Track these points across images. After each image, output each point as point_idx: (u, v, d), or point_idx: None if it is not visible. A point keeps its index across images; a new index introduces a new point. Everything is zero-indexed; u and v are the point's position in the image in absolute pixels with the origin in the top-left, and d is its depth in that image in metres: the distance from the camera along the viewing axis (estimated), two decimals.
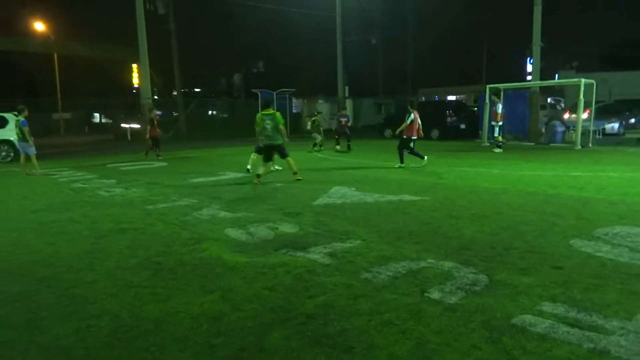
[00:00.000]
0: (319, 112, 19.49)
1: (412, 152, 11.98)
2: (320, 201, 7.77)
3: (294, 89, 29.45)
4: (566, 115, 22.94)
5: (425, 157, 11.88)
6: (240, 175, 11.25)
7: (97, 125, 41.17)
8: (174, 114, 29.89)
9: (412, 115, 11.57)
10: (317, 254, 4.89)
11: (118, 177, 11.37)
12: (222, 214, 7.00)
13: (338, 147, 17.55)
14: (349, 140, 17.72)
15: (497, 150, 16.15)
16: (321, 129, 17.90)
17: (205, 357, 2.95)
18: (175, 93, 32.19)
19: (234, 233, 5.85)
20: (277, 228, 6.02)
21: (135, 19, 19.92)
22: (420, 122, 11.84)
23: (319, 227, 6.05)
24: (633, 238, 5.14)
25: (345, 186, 9.11)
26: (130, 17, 20.60)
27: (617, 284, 3.88)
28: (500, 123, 16.61)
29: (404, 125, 11.68)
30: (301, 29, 37.40)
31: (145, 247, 5.38)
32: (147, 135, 16.31)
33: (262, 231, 5.88)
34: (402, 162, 11.92)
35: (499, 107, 16.59)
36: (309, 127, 17.96)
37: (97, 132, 33.67)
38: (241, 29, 37.15)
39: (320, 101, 35.71)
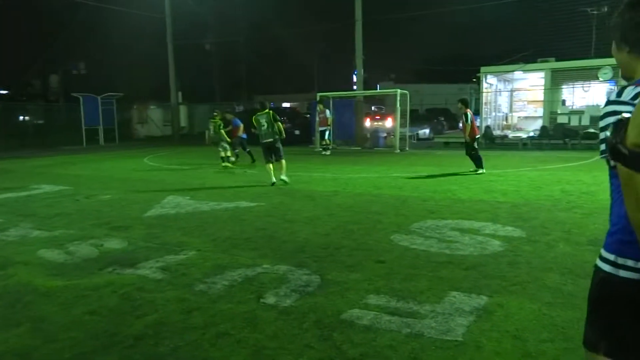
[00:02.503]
0: (217, 114, 14.58)
1: (475, 155, 11.06)
2: (153, 212, 7.35)
3: (121, 94, 27.48)
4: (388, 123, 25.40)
5: (483, 169, 11.01)
6: (58, 188, 10.07)
7: None
8: None
9: (470, 115, 10.96)
10: (148, 269, 4.59)
11: None
12: (35, 233, 6.17)
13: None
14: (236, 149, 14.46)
15: (326, 152, 17.35)
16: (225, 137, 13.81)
17: None
18: None
19: (49, 254, 5.19)
20: (102, 245, 5.51)
21: None
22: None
23: (150, 240, 5.70)
24: (440, 230, 5.85)
25: (179, 195, 8.76)
26: None
27: (429, 272, 4.37)
28: (328, 128, 17.93)
29: (469, 127, 10.89)
30: (128, 29, 35.10)
31: None
32: None
33: (84, 249, 5.33)
34: (481, 165, 10.98)
35: (327, 113, 17.84)
36: (212, 133, 13.91)
37: None
38: (57, 25, 33.48)
39: (152, 107, 33.92)
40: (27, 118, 31.38)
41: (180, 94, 30.77)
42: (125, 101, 30.16)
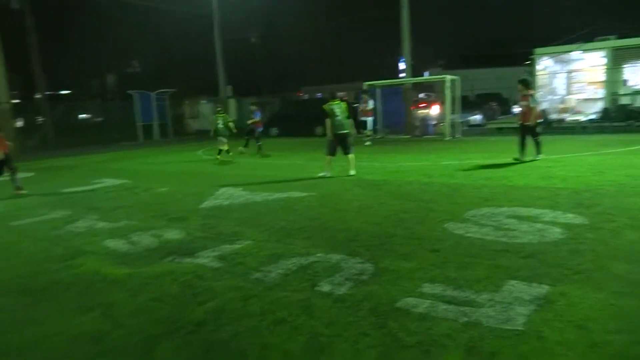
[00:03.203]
0: (220, 109, 15.87)
1: (524, 141, 10.43)
2: (207, 204, 7.57)
3: (173, 90, 28.33)
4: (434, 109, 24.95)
5: (542, 154, 10.47)
6: (119, 182, 10.55)
7: None
8: (39, 120, 27.11)
9: (536, 97, 10.29)
10: (206, 258, 4.75)
11: None
12: (101, 224, 6.51)
13: (242, 149, 15.61)
14: (258, 141, 15.54)
15: (366, 143, 17.07)
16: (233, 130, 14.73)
17: None
18: (38, 95, 29.26)
19: (114, 244, 5.47)
20: (161, 235, 5.74)
21: None
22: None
23: (206, 230, 5.89)
24: (496, 217, 5.71)
25: (232, 187, 8.97)
26: None
27: (485, 260, 4.28)
28: (371, 118, 17.65)
29: (534, 112, 10.29)
30: (178, 27, 36.10)
31: (9, 268, 4.82)
32: None
33: (145, 239, 5.57)
34: (540, 151, 10.42)
35: (370, 103, 17.56)
36: (220, 126, 14.38)
37: None
38: (112, 26, 34.86)
39: (202, 101, 34.77)
40: (87, 116, 32.99)
41: (229, 87, 31.36)
42: (178, 97, 31.07)
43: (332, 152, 9.72)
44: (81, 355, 3.00)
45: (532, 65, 20.16)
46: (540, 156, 10.40)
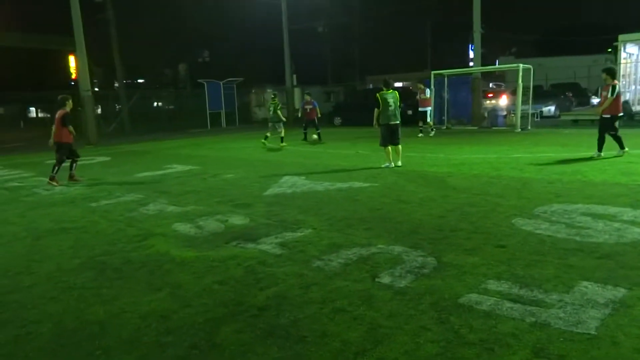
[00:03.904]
0: (275, 95, 16.37)
1: (615, 136, 9.67)
2: (271, 191, 7.72)
3: (241, 79, 29.02)
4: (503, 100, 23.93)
5: (626, 148, 9.71)
6: (188, 167, 10.99)
7: (33, 119, 39.01)
8: (117, 107, 28.73)
9: (617, 88, 9.54)
10: (268, 245, 4.85)
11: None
12: (170, 208, 6.82)
13: (315, 137, 16.19)
14: (317, 129, 16.26)
15: (422, 134, 16.56)
16: (282, 117, 15.38)
17: (154, 358, 2.87)
18: (116, 85, 30.96)
19: (182, 227, 5.71)
20: (227, 220, 5.92)
21: (70, 7, 18.93)
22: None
23: (269, 217, 6.01)
24: (569, 215, 5.41)
25: (295, 175, 9.08)
26: (65, 5, 19.53)
27: (556, 259, 4.07)
28: (429, 108, 17.13)
29: (608, 102, 9.46)
30: (246, 17, 36.82)
31: (88, 246, 5.16)
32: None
33: (211, 224, 5.78)
34: (600, 149, 9.64)
35: (427, 93, 17.02)
36: (271, 113, 15.13)
37: (33, 126, 31.94)
38: (185, 17, 36.13)
39: (268, 90, 35.36)
40: (160, 104, 34.52)
41: (295, 76, 31.67)
42: (245, 86, 31.80)
43: (387, 142, 9.57)
44: (150, 331, 3.17)
45: (615, 52, 18.82)
46: (623, 151, 9.68)
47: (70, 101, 9.52)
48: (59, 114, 9.25)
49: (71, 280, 4.15)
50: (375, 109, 9.45)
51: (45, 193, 8.54)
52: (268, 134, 15.17)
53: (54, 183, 9.18)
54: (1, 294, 3.95)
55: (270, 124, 15.19)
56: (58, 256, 4.85)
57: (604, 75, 9.84)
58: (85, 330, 3.24)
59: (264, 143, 14.97)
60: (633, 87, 18.63)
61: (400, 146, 9.66)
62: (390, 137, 9.51)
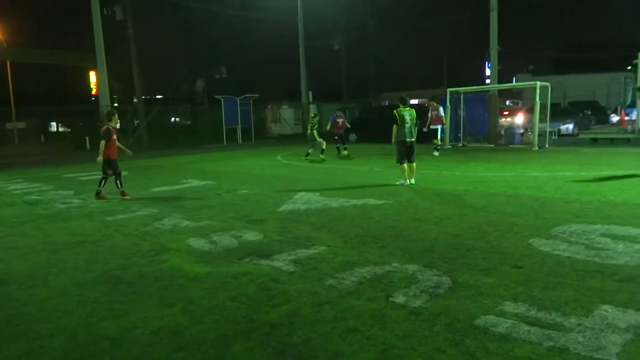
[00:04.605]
0: (315, 115, 17.30)
1: None
2: (285, 207, 7.71)
3: (257, 95, 29.29)
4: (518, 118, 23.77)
5: None
6: (203, 182, 11.06)
7: (53, 134, 39.80)
8: (135, 122, 29.19)
9: None
10: (282, 262, 4.83)
11: (76, 188, 10.99)
12: (185, 223, 6.84)
13: (345, 152, 16.76)
14: (344, 144, 17.07)
15: (435, 153, 16.18)
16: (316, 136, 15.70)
17: None
18: (135, 100, 31.49)
19: (196, 243, 5.72)
20: (240, 236, 5.92)
21: (92, 24, 19.40)
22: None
23: (283, 234, 5.99)
24: (588, 235, 5.30)
25: (309, 192, 9.08)
26: (87, 22, 20.05)
27: (574, 281, 3.98)
28: (440, 126, 16.93)
29: None
30: (263, 34, 37.30)
31: (103, 260, 5.19)
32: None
33: (225, 240, 5.78)
34: None
35: (441, 110, 16.85)
36: (309, 131, 15.92)
37: (54, 140, 32.59)
38: (202, 34, 36.73)
39: (284, 106, 35.65)
40: (177, 119, 35.00)
41: (310, 93, 31.89)
42: (261, 102, 32.08)
43: (403, 160, 9.51)
44: (161, 347, 3.15)
45: (635, 70, 18.60)
46: None
47: (116, 116, 9.44)
48: (103, 129, 9.18)
49: (85, 294, 4.17)
50: (394, 126, 9.41)
51: (62, 206, 8.66)
52: (310, 151, 15.75)
53: (101, 197, 9.16)
54: (17, 306, 3.98)
55: (318, 142, 15.62)
56: (73, 269, 4.89)
57: (638, 94, 9.71)
58: (97, 345, 3.23)
59: (306, 159, 15.49)
60: None
61: (414, 164, 9.61)
62: (406, 155, 9.47)
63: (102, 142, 9.02)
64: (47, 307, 3.92)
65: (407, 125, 9.30)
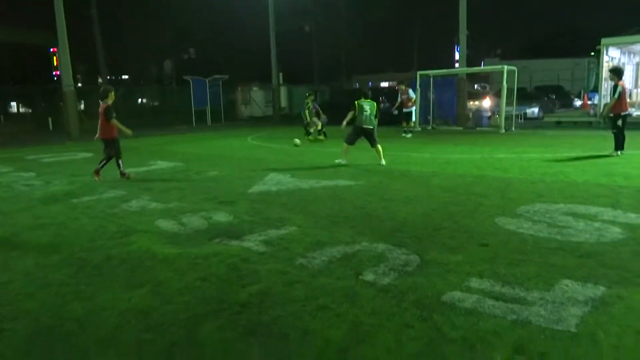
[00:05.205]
0: (310, 94, 17.34)
1: (616, 135, 9.97)
2: (256, 189, 7.67)
3: (226, 76, 28.84)
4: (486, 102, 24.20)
5: (620, 152, 9.96)
6: (172, 164, 10.88)
7: (14, 115, 38.31)
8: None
9: (620, 88, 9.73)
10: (252, 242, 4.81)
11: (38, 170, 10.65)
12: (153, 205, 6.73)
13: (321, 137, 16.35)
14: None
15: (407, 135, 16.52)
16: (307, 117, 16.19)
17: (132, 356, 2.82)
18: (100, 80, 30.56)
19: (165, 224, 5.64)
20: (210, 217, 5.87)
21: (54, 2, 18.63)
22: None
23: (254, 215, 5.97)
24: (551, 214, 5.47)
25: (280, 173, 9.05)
26: (49, 1, 19.23)
27: (537, 258, 4.10)
28: (413, 109, 17.19)
29: (612, 102, 9.88)
30: (233, 14, 36.62)
31: (68, 243, 5.07)
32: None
33: (195, 221, 5.72)
34: (622, 147, 9.95)
35: (411, 93, 17.03)
36: (307, 113, 16.11)
37: (14, 122, 31.36)
38: (170, 14, 35.80)
39: (254, 88, 35.25)
40: (144, 100, 34.14)
41: (281, 75, 31.60)
42: (231, 83, 31.61)
43: (351, 142, 10.01)
44: (130, 328, 3.11)
45: (598, 56, 19.12)
46: (617, 152, 9.88)
47: (113, 93, 9.11)
48: (101, 107, 8.88)
49: (49, 277, 4.07)
50: (350, 112, 9.88)
51: (24, 189, 8.38)
52: (311, 130, 15.94)
53: (96, 178, 8.92)
54: None
55: (312, 120, 15.96)
56: (36, 252, 4.75)
57: (610, 75, 10.08)
58: (63, 327, 3.17)
59: (309, 139, 15.58)
60: None
61: (379, 146, 9.85)
62: (356, 139, 9.96)
63: (114, 121, 8.82)
64: (8, 291, 3.81)
65: (365, 113, 9.71)
